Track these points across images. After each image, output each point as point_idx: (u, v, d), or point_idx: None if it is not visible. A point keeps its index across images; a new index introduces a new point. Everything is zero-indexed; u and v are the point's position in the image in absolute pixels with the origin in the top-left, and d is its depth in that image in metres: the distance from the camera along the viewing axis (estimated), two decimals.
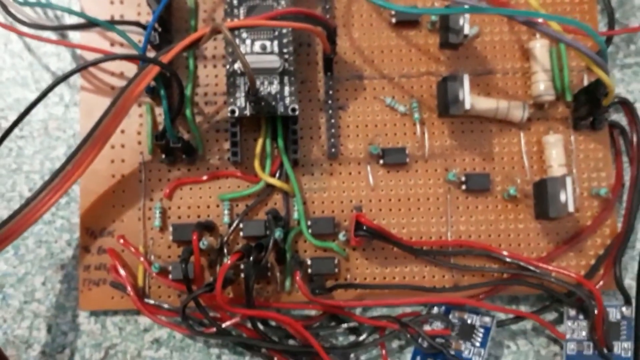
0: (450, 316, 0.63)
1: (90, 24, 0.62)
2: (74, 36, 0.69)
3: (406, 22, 0.68)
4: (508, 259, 0.63)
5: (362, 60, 0.67)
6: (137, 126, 0.66)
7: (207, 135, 0.66)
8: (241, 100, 0.61)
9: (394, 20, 0.67)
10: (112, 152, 0.65)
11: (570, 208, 0.60)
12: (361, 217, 0.62)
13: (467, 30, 0.61)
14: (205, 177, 0.65)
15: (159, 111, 0.65)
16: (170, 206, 0.65)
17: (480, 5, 0.57)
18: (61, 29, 0.66)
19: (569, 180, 0.60)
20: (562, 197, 0.60)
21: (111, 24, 0.61)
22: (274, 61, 0.61)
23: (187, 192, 0.65)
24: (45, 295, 0.66)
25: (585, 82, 0.67)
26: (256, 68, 0.61)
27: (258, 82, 0.61)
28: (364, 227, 0.61)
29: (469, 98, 0.61)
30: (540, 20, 0.58)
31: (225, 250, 0.63)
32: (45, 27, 0.64)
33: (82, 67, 0.57)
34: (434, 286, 0.64)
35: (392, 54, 0.67)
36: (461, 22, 0.61)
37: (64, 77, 0.56)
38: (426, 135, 0.66)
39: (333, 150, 0.65)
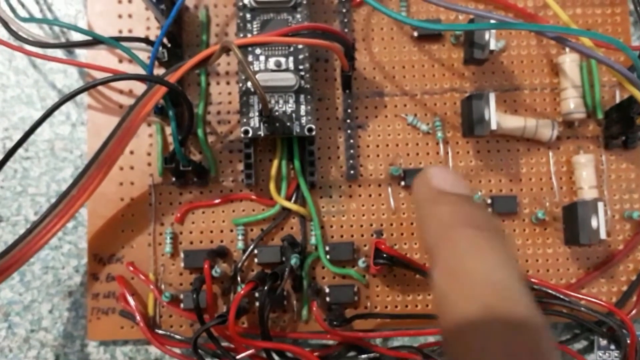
0: None
1: (95, 40, 0.59)
2: (81, 52, 0.66)
3: (429, 36, 0.65)
4: (535, 287, 0.60)
5: (383, 76, 0.64)
6: (147, 147, 0.63)
7: (220, 156, 0.63)
8: (255, 120, 0.58)
9: (415, 34, 0.64)
10: (121, 174, 0.63)
11: (602, 235, 0.57)
12: (381, 244, 0.59)
13: (493, 45, 0.58)
14: (218, 201, 0.62)
15: (170, 131, 0.62)
16: (181, 231, 0.62)
17: (506, 21, 0.54)
18: (65, 46, 0.63)
19: (600, 206, 0.57)
20: (594, 223, 0.57)
21: (116, 41, 0.58)
22: (289, 79, 0.58)
23: (200, 216, 0.63)
24: (53, 324, 0.63)
25: (618, 99, 0.63)
26: (270, 86, 0.58)
27: (272, 101, 0.58)
28: (384, 255, 0.58)
29: (495, 118, 0.58)
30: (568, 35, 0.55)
31: (238, 278, 0.61)
32: (49, 44, 0.61)
33: (85, 88, 0.54)
34: None
35: (414, 70, 0.64)
36: (487, 37, 0.58)
37: (66, 99, 0.53)
38: (450, 155, 0.63)
39: (352, 171, 0.63)
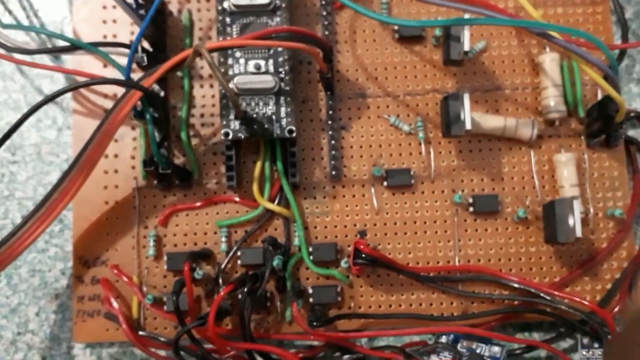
0: (459, 346, 0.60)
1: (74, 46, 0.59)
2: (68, 57, 0.66)
3: (410, 38, 0.65)
4: (518, 286, 0.60)
5: (365, 77, 0.64)
6: (130, 150, 0.64)
7: (204, 159, 0.64)
8: (235, 123, 0.59)
9: (397, 35, 0.64)
10: (105, 178, 0.63)
11: (578, 233, 0.57)
12: (360, 244, 0.59)
13: (467, 46, 0.58)
14: (199, 203, 0.63)
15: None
16: (165, 234, 0.63)
17: (482, 17, 0.54)
18: (48, 52, 0.64)
19: (576, 204, 0.57)
20: (570, 221, 0.57)
21: (94, 46, 0.59)
22: (268, 81, 0.58)
23: (183, 219, 0.63)
24: (40, 326, 0.64)
25: (599, 97, 0.63)
26: (250, 89, 0.58)
27: (253, 103, 0.59)
28: (363, 255, 0.59)
29: (469, 118, 0.58)
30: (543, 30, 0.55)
31: (220, 280, 0.61)
32: (32, 50, 0.62)
33: (57, 95, 0.54)
34: (442, 314, 0.62)
35: (396, 71, 0.65)
36: (462, 38, 0.58)
37: (39, 106, 0.54)
38: (432, 155, 0.63)
39: (335, 172, 0.63)
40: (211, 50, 0.53)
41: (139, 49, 0.59)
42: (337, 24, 0.65)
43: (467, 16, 0.58)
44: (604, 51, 0.55)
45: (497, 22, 0.57)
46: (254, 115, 0.58)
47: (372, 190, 0.63)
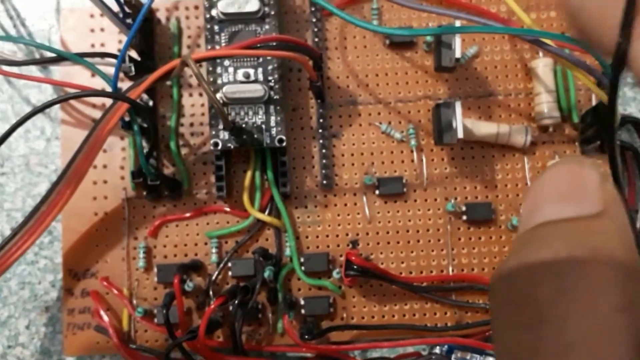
0: (453, 356, 0.59)
1: (60, 57, 0.59)
2: (56, 67, 0.66)
3: (401, 44, 0.64)
4: None
5: (356, 84, 0.64)
6: (119, 161, 0.63)
7: (194, 169, 0.63)
8: (225, 133, 0.58)
9: (388, 41, 0.64)
10: (94, 189, 0.63)
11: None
12: (351, 255, 0.58)
13: (458, 53, 0.57)
14: (189, 214, 0.62)
15: (144, 144, 0.61)
16: (155, 245, 0.62)
17: (473, 25, 0.53)
18: (35, 63, 0.63)
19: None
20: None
21: (81, 57, 0.58)
22: (257, 90, 0.58)
23: (173, 230, 0.62)
24: (30, 340, 0.63)
25: (594, 102, 0.62)
26: (239, 98, 0.58)
27: (242, 113, 0.58)
28: (355, 266, 0.58)
29: (462, 126, 0.57)
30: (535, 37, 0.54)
31: (211, 292, 0.60)
32: (18, 62, 0.61)
33: (43, 108, 0.53)
34: (436, 324, 0.61)
35: (388, 78, 0.64)
36: (453, 44, 0.58)
37: (27, 117, 0.53)
38: (424, 163, 0.62)
39: (326, 181, 0.62)
40: (198, 61, 0.52)
41: (127, 59, 0.58)
42: (327, 31, 0.64)
43: (458, 23, 0.57)
44: (596, 57, 0.54)
45: (488, 30, 0.56)
46: (243, 125, 0.58)
47: (364, 199, 0.62)
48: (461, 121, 0.57)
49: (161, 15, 0.65)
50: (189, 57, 0.51)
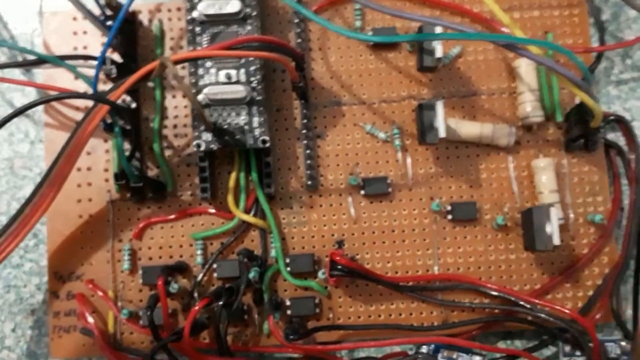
0: (439, 356, 0.59)
1: (42, 60, 0.59)
2: (40, 70, 0.65)
3: (384, 44, 0.64)
4: (498, 294, 0.59)
5: (340, 85, 0.64)
6: (103, 163, 0.63)
7: (178, 170, 0.63)
8: (207, 134, 0.58)
9: (371, 42, 0.64)
10: (78, 191, 0.62)
11: (556, 241, 0.56)
12: (335, 255, 0.58)
13: (439, 53, 0.58)
14: (173, 216, 0.62)
15: (128, 146, 0.61)
16: (140, 247, 0.62)
17: (455, 31, 0.53)
18: (17, 66, 0.63)
19: (553, 211, 0.56)
20: (548, 229, 0.56)
21: (63, 60, 0.58)
22: (239, 91, 0.57)
23: (158, 232, 0.62)
24: (16, 343, 0.63)
25: (578, 100, 0.62)
26: (221, 99, 0.57)
27: (225, 114, 0.58)
28: (339, 267, 0.58)
29: (444, 126, 0.57)
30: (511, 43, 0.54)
31: (196, 294, 0.60)
32: (1, 65, 0.61)
33: (24, 109, 0.53)
34: (422, 323, 0.61)
35: (371, 78, 0.64)
36: (434, 44, 0.58)
37: (8, 119, 0.53)
38: (409, 163, 0.62)
39: (311, 181, 0.62)
40: (177, 62, 0.52)
41: (108, 61, 0.58)
42: (310, 32, 0.64)
43: (438, 29, 0.56)
44: (572, 59, 0.54)
45: (465, 37, 0.57)
46: (226, 126, 0.58)
47: (349, 199, 0.62)
48: (443, 121, 0.57)
49: (144, 17, 0.65)
50: (167, 59, 0.51)
